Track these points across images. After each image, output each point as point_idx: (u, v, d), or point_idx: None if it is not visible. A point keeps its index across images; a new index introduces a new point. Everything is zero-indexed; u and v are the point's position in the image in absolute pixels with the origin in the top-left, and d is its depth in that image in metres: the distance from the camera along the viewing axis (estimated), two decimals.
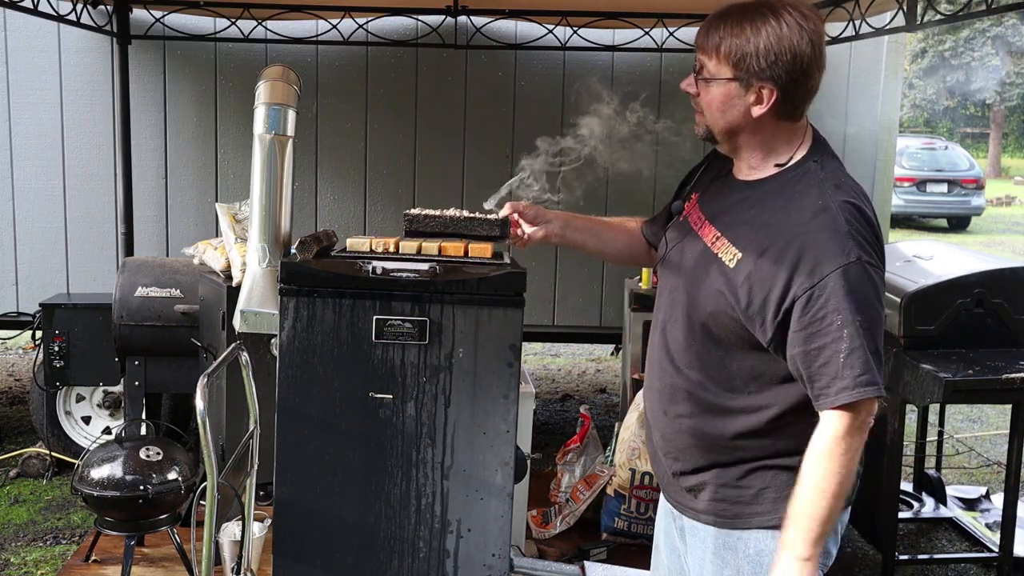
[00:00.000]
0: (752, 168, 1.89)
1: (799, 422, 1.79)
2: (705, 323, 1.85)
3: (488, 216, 2.29)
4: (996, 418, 6.35)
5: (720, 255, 1.84)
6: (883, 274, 1.75)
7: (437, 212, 2.34)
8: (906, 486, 4.51)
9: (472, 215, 2.31)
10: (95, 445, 3.63)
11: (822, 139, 1.90)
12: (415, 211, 2.34)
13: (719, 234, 1.87)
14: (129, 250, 5.19)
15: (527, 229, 2.22)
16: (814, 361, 1.70)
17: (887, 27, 4.70)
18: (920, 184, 16.17)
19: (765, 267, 1.74)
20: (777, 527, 1.82)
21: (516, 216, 2.23)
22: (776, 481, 1.83)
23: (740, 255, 1.80)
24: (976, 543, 4.23)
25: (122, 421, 4.45)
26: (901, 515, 4.26)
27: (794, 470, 1.81)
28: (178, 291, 4.25)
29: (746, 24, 1.76)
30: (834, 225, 1.71)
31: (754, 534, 1.86)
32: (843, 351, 1.67)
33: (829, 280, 1.68)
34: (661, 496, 2.10)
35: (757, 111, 1.80)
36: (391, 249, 2.41)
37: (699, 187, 2.04)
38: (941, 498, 4.54)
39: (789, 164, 1.84)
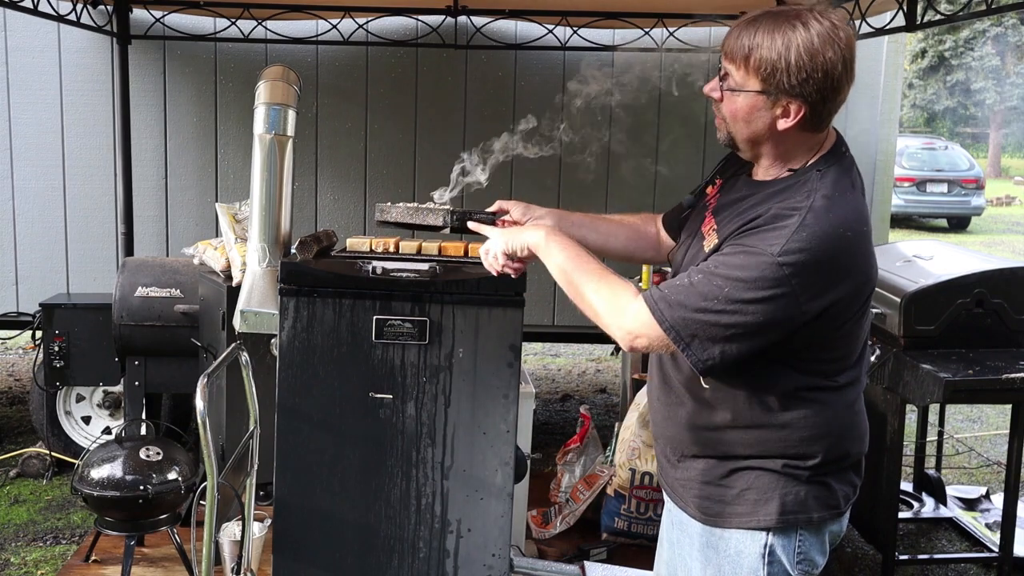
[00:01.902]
0: (768, 174, 1.88)
1: (783, 421, 1.79)
2: None
3: (438, 207, 2.27)
4: (996, 418, 6.35)
5: (704, 244, 1.86)
6: (795, 296, 1.66)
7: (401, 204, 2.32)
8: (906, 486, 4.51)
9: (422, 205, 2.29)
10: (95, 445, 3.63)
11: (841, 149, 1.85)
12: (386, 204, 2.34)
13: (713, 226, 1.88)
14: (129, 250, 5.18)
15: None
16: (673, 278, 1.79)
17: (887, 27, 4.71)
18: (920, 184, 16.16)
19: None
20: (757, 528, 1.83)
21: (505, 218, 2.20)
22: (758, 483, 1.83)
23: (716, 241, 1.81)
24: (976, 543, 4.23)
25: (122, 421, 4.45)
26: (901, 515, 4.26)
27: (777, 473, 1.82)
28: (178, 291, 4.25)
29: (777, 36, 1.70)
30: (786, 222, 1.68)
31: (734, 534, 1.86)
32: (684, 282, 1.72)
33: (738, 247, 1.70)
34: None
35: (783, 124, 1.76)
36: (391, 249, 2.42)
37: (723, 175, 2.03)
38: (941, 498, 4.54)
39: (799, 169, 1.82)
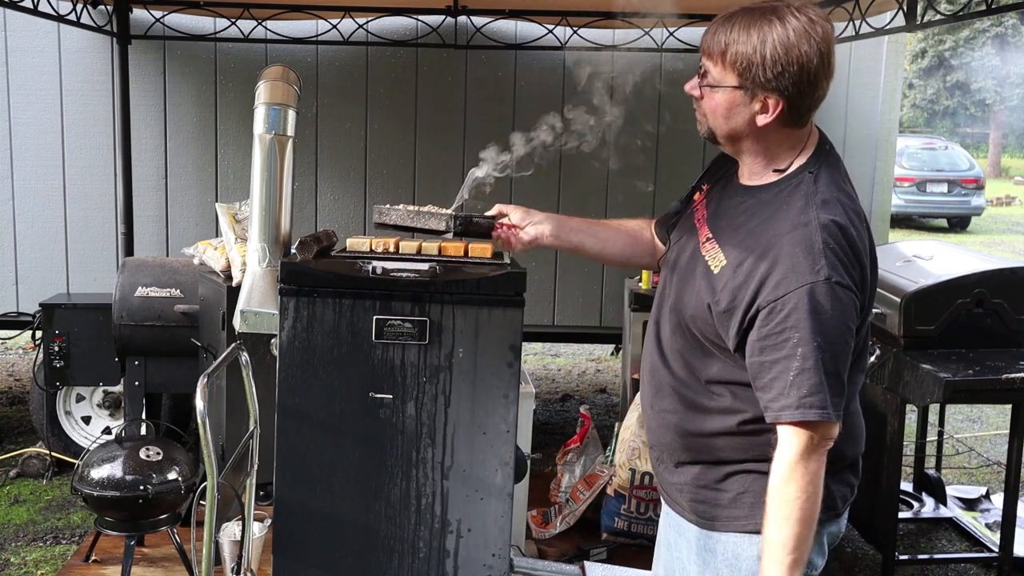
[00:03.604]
0: (753, 173, 1.87)
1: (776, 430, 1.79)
2: (687, 322, 1.85)
3: (438, 211, 2.27)
4: (996, 418, 6.35)
5: (707, 258, 1.84)
6: (858, 296, 1.70)
7: (400, 206, 2.32)
8: (906, 486, 4.51)
9: (423, 209, 2.28)
10: (95, 445, 3.63)
11: (826, 147, 1.85)
12: (385, 206, 2.34)
13: (710, 236, 1.87)
14: (129, 250, 5.19)
15: (521, 234, 2.18)
16: (766, 374, 1.69)
17: (887, 27, 4.71)
18: (920, 184, 16.17)
19: (741, 275, 1.73)
20: (755, 531, 1.80)
21: (504, 221, 2.19)
22: (755, 486, 1.81)
23: (724, 261, 1.79)
24: (976, 543, 4.23)
25: (122, 421, 4.45)
26: (901, 515, 4.26)
27: None
28: (178, 291, 4.25)
29: (753, 31, 1.72)
30: (809, 241, 1.67)
31: (732, 537, 1.85)
32: (794, 369, 1.65)
33: (792, 296, 1.65)
34: None
35: (762, 120, 1.76)
36: (391, 249, 2.42)
37: (710, 180, 2.01)
38: (941, 498, 4.54)
39: (787, 172, 1.81)
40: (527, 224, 2.17)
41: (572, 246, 2.20)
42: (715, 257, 1.82)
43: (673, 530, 2.00)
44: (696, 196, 2.02)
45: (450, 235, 2.24)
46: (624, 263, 2.30)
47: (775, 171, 1.83)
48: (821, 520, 1.84)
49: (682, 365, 1.88)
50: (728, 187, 1.93)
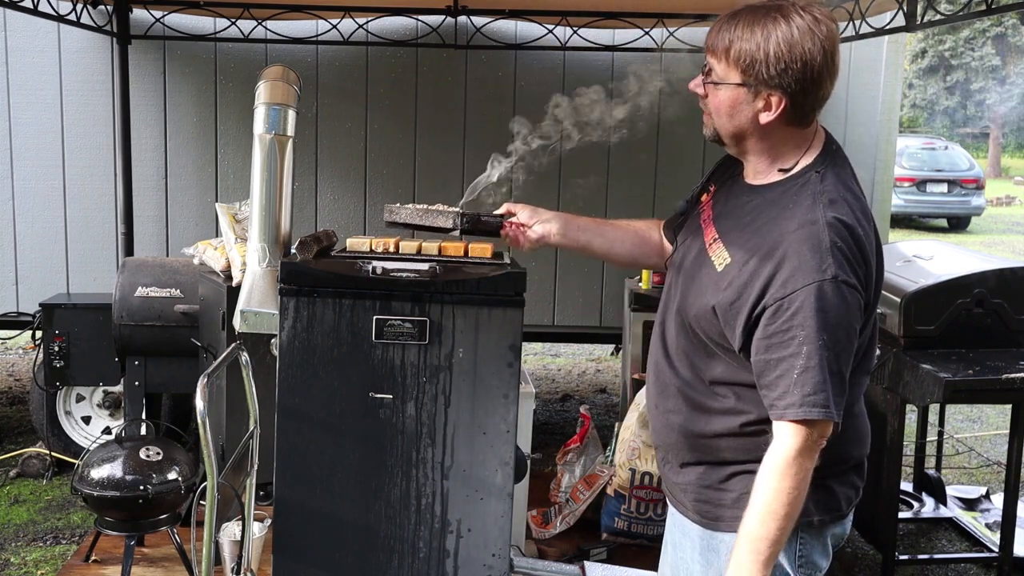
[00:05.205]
0: (758, 172, 1.87)
1: None
2: (691, 323, 1.85)
3: (446, 209, 2.27)
4: (996, 418, 6.35)
5: (712, 257, 1.84)
6: (863, 296, 1.71)
7: (410, 205, 2.33)
8: (906, 486, 4.51)
9: (431, 207, 2.29)
10: (95, 445, 3.63)
11: (832, 147, 1.85)
12: (395, 205, 2.34)
13: (716, 236, 1.87)
14: (129, 250, 5.18)
15: (529, 232, 2.19)
16: (771, 372, 1.69)
17: (887, 27, 4.71)
18: (920, 184, 16.17)
19: (746, 274, 1.74)
20: None
21: (513, 220, 2.19)
22: None
23: (729, 260, 1.79)
24: (976, 543, 4.23)
25: (122, 421, 4.45)
26: (901, 515, 4.26)
27: None
28: (178, 291, 4.25)
29: (757, 28, 1.72)
30: (816, 239, 1.68)
31: (735, 538, 1.82)
32: (798, 368, 1.65)
33: (800, 294, 1.65)
34: None
35: (765, 118, 1.77)
36: (391, 249, 2.42)
37: (717, 181, 2.01)
38: (941, 498, 4.54)
39: (793, 171, 1.81)
40: (535, 223, 2.17)
41: (579, 245, 2.20)
42: (720, 256, 1.82)
43: (678, 530, 2.01)
44: (703, 197, 2.02)
45: (458, 233, 2.24)
46: (631, 263, 2.31)
47: (780, 170, 1.83)
48: (825, 522, 1.85)
49: (687, 366, 1.89)
50: (734, 187, 1.93)
